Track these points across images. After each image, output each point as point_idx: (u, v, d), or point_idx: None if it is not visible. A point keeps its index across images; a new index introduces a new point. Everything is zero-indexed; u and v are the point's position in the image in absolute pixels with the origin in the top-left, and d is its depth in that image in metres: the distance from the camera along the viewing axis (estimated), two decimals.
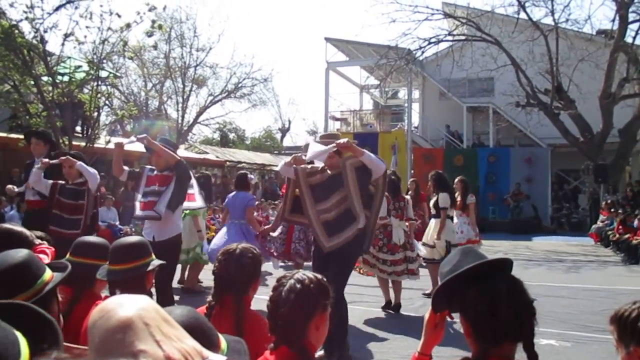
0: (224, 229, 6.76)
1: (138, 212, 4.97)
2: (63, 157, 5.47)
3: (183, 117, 32.09)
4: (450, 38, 18.48)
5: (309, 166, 4.64)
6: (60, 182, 5.49)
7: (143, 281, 2.47)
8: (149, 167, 5.08)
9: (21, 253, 1.70)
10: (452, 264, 1.63)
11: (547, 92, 17.37)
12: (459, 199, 7.40)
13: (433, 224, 6.95)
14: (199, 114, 33.54)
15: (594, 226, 14.52)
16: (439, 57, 20.53)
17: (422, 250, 6.77)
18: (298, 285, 1.77)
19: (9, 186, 6.30)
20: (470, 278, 1.53)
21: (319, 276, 1.85)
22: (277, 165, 26.04)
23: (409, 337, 5.04)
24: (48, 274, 1.73)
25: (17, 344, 0.70)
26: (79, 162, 5.38)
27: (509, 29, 16.80)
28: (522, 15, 17.08)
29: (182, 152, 19.73)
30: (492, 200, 18.86)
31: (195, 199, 5.51)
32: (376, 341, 5.11)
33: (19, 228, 2.74)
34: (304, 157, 4.47)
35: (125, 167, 5.10)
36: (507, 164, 19.29)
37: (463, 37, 18.25)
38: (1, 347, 0.68)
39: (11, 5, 11.36)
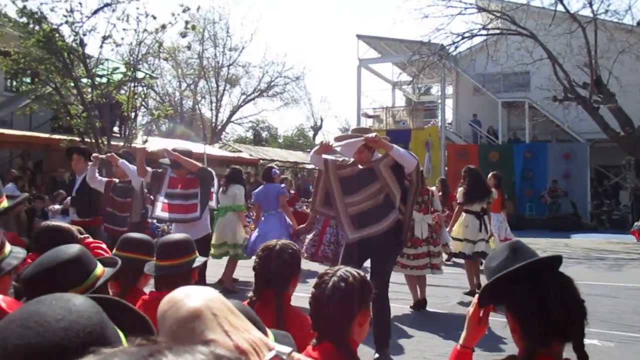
0: (263, 222, 6.85)
1: (160, 212, 5.16)
2: (108, 154, 5.66)
3: (217, 116, 32.53)
4: (484, 32, 18.15)
5: (340, 159, 4.61)
6: (114, 180, 5.68)
7: (189, 277, 2.52)
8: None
9: (74, 248, 1.74)
10: (499, 259, 1.59)
11: (586, 86, 16.91)
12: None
13: (462, 218, 6.90)
14: (232, 113, 33.94)
15: (636, 224, 14.10)
16: (472, 51, 20.23)
17: (450, 241, 6.79)
18: (342, 284, 1.77)
19: (52, 207, 6.52)
20: (520, 275, 1.49)
21: (361, 273, 1.85)
22: (309, 164, 26.16)
23: (446, 335, 5.00)
24: (100, 268, 1.77)
25: (120, 341, 0.73)
26: (121, 160, 5.53)
27: (545, 22, 16.43)
28: (559, 7, 16.68)
29: (216, 150, 19.99)
30: (529, 197, 18.51)
31: (212, 198, 5.62)
32: (413, 339, 5.09)
33: (65, 225, 2.84)
34: (331, 144, 4.43)
35: (149, 169, 5.28)
36: (544, 160, 18.87)
37: (497, 31, 17.92)
38: (113, 342, 0.71)
39: (52, 9, 11.71)
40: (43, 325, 0.67)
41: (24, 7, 11.41)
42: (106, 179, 5.77)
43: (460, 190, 6.85)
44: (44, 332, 0.66)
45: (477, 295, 1.67)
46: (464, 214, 6.84)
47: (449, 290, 7.02)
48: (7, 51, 11.79)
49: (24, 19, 11.57)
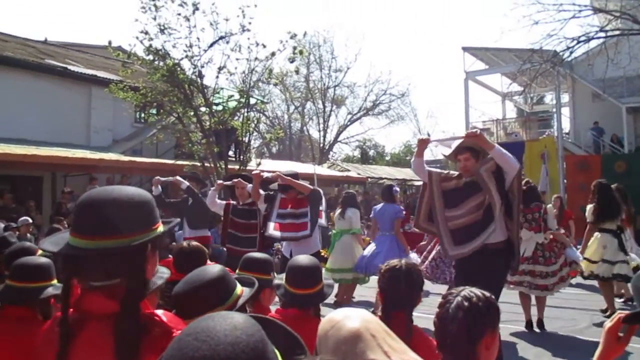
0: (376, 241, 6.87)
1: (272, 231, 5.40)
2: (235, 180, 6.05)
3: (324, 136, 33.26)
4: (602, 35, 16.98)
5: (445, 171, 4.50)
6: (232, 202, 6.08)
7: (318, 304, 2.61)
8: None
9: (217, 268, 1.87)
10: None
11: None
12: None
13: (598, 238, 6.42)
14: (339, 132, 34.53)
15: None
16: (590, 56, 18.93)
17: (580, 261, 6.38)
18: (466, 303, 1.73)
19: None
20: None
21: (487, 294, 1.80)
22: (418, 180, 25.82)
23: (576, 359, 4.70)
24: (239, 288, 1.89)
25: (277, 359, 0.80)
26: (249, 185, 5.89)
27: None
28: None
29: (324, 170, 20.43)
30: None
31: (321, 216, 5.79)
32: None
33: (201, 246, 3.10)
34: (430, 139, 4.34)
35: (262, 192, 5.60)
36: None
37: (618, 32, 16.67)
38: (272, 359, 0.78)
39: (174, 46, 12.74)
40: (214, 339, 0.75)
41: (150, 45, 12.53)
42: (224, 202, 6.15)
43: (589, 207, 6.41)
44: (215, 346, 0.74)
45: (620, 312, 1.56)
46: (598, 234, 6.39)
47: (575, 312, 6.59)
48: (137, 86, 12.98)
49: (150, 57, 12.69)
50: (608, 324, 1.57)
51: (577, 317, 6.41)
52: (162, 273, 2.07)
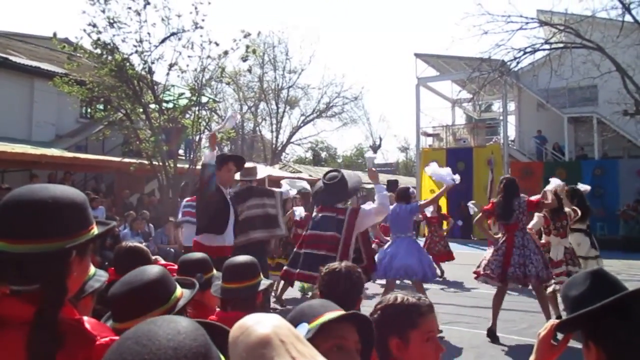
0: (393, 245, 6.42)
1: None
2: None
3: (277, 137, 33.11)
4: (547, 47, 17.66)
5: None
6: None
7: (254, 299, 2.57)
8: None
9: (156, 269, 1.79)
10: (580, 288, 1.49)
11: None
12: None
13: (571, 237, 6.75)
14: (292, 134, 34.47)
15: None
16: (535, 66, 19.70)
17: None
18: (378, 306, 1.81)
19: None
20: (607, 309, 1.39)
21: (409, 298, 1.77)
22: (368, 183, 26.06)
23: None
24: (179, 290, 1.82)
25: None
26: None
27: (612, 34, 15.80)
28: (627, 17, 16.03)
29: (276, 171, 20.32)
30: (600, 216, 17.64)
31: None
32: None
33: (141, 245, 2.98)
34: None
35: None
36: (616, 177, 18.02)
37: (561, 45, 17.37)
38: None
39: (123, 40, 12.41)
40: (155, 344, 0.73)
41: (98, 39, 12.15)
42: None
43: (568, 211, 6.63)
44: (156, 350, 0.72)
45: (552, 320, 1.59)
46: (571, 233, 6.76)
47: (514, 314, 6.78)
48: (83, 80, 12.56)
49: (98, 50, 12.30)
50: (542, 332, 1.58)
51: (515, 318, 6.60)
52: (100, 276, 1.99)
